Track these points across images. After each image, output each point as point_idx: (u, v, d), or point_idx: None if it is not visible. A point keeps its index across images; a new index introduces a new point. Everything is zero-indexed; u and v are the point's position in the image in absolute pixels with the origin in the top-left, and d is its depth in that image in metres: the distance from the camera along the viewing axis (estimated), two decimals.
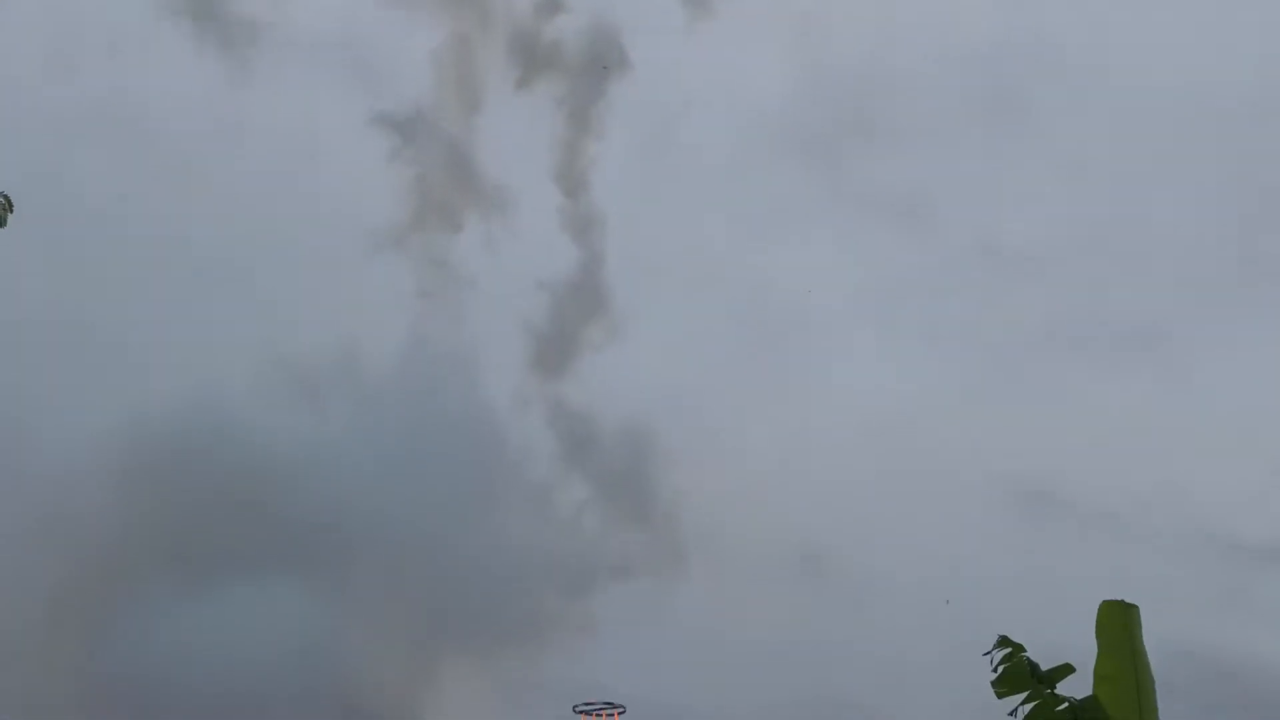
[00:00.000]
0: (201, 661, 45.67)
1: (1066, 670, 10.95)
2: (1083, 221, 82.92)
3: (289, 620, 47.02)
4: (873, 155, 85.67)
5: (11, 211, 11.95)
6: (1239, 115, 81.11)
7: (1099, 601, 11.18)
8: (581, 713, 49.97)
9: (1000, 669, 10.86)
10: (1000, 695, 10.90)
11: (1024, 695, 10.85)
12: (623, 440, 50.88)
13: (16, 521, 49.01)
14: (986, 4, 77.84)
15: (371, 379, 54.06)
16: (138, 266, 61.32)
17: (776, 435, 74.13)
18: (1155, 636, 11.41)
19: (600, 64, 49.84)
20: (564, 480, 50.88)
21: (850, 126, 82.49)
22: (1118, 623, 11.17)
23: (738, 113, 73.01)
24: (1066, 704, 10.75)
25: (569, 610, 50.21)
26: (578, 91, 51.09)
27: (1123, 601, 11.22)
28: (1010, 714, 10.86)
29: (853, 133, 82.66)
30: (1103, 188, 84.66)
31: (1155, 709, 11.00)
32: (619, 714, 50.01)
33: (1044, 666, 10.96)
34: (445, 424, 51.41)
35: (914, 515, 69.39)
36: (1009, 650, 10.92)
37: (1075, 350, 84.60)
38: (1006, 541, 70.51)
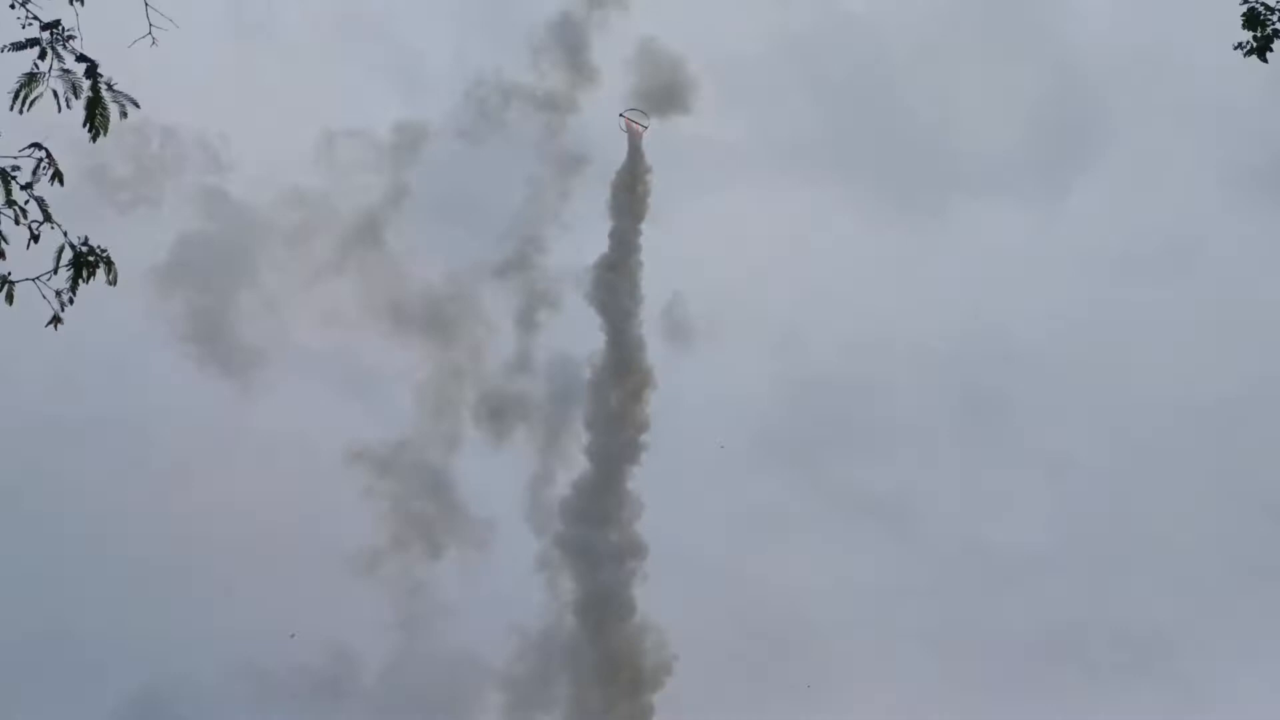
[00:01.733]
0: None
1: None
2: (1069, 524, 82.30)
3: None
4: (855, 461, 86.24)
5: None
6: (1222, 416, 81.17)
7: None
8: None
9: None
10: None
11: None
12: None
13: None
14: (955, 307, 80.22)
15: (353, 692, 53.92)
16: (117, 574, 61.86)
17: None
18: None
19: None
20: None
21: (831, 433, 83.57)
22: None
23: (720, 425, 74.28)
24: None
25: None
26: (549, 427, 53.11)
27: None
28: None
29: (834, 439, 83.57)
30: (1087, 489, 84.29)
31: None
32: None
33: None
34: None
35: None
36: None
37: (1072, 658, 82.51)
38: None
